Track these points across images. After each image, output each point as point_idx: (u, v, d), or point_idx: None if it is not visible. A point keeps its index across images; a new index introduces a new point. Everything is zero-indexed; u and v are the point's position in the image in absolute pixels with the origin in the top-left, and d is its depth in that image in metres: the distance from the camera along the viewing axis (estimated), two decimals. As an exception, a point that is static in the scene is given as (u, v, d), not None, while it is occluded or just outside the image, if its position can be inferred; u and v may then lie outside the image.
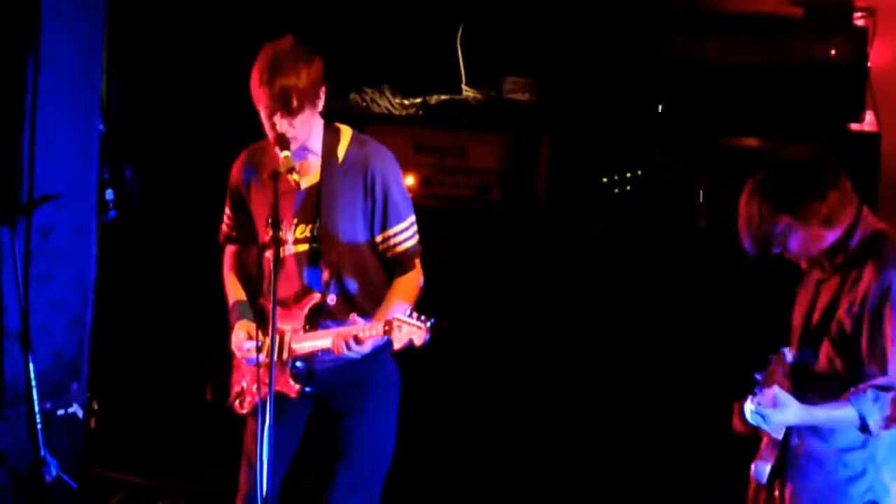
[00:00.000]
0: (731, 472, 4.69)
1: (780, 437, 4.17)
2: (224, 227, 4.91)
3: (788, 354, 4.19)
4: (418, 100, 6.80)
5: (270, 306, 4.36)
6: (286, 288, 4.62)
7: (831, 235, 4.14)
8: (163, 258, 6.91)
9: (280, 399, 4.53)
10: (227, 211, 4.86)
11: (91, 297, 6.17)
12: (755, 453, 4.32)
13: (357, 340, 4.47)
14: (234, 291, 4.86)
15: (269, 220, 4.40)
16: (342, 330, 4.51)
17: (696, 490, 6.09)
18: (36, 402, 5.61)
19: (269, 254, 4.47)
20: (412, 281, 4.72)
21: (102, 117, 6.27)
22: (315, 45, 4.57)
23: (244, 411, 4.76)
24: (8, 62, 5.77)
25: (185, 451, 6.65)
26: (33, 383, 5.60)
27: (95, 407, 6.23)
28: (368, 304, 4.66)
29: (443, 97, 6.78)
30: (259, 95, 4.46)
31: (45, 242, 5.90)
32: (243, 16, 6.71)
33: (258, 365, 4.42)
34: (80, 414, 6.08)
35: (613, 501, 6.36)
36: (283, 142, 4.45)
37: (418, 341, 4.36)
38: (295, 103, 4.42)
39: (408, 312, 4.39)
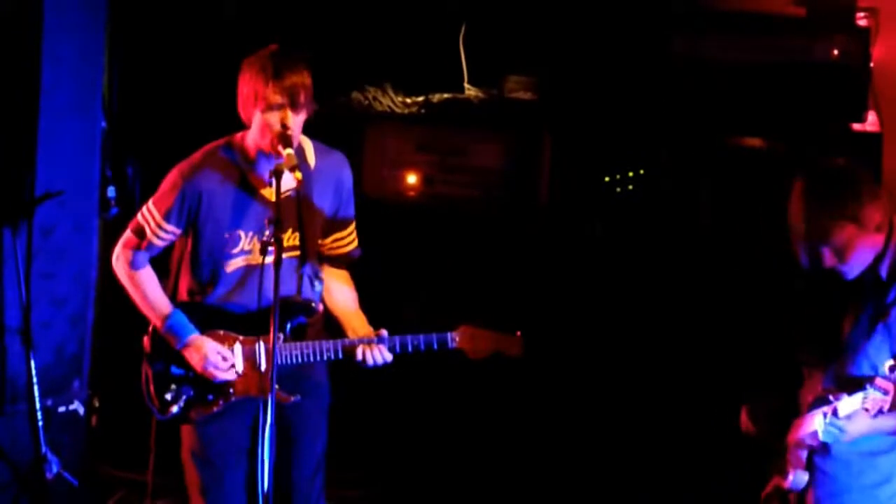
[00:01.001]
0: (732, 471, 4.69)
1: (817, 443, 4.12)
2: (149, 235, 4.60)
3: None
4: (420, 98, 6.80)
5: (272, 311, 4.34)
6: (251, 295, 4.56)
7: (881, 241, 4.08)
8: (164, 255, 6.89)
9: (246, 401, 4.57)
10: (160, 218, 4.58)
11: (92, 294, 6.16)
12: (758, 453, 4.30)
13: (392, 350, 4.54)
14: (166, 302, 4.66)
15: (271, 221, 4.38)
16: (362, 339, 4.57)
17: (697, 490, 6.09)
18: (37, 399, 5.61)
19: (270, 258, 4.42)
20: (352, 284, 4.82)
21: (104, 114, 6.27)
22: (318, 49, 4.57)
23: (199, 416, 4.69)
24: (10, 60, 5.77)
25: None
26: (34, 380, 5.60)
27: (97, 404, 6.23)
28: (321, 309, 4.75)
29: (445, 96, 6.78)
30: (265, 92, 4.44)
31: (47, 240, 5.90)
32: (245, 13, 6.71)
33: (273, 372, 4.35)
34: (82, 411, 6.07)
35: (614, 501, 6.35)
36: (286, 140, 4.45)
37: (513, 351, 4.55)
38: (302, 99, 4.43)
39: (482, 325, 4.51)
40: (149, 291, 4.67)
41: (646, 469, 6.33)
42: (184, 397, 4.65)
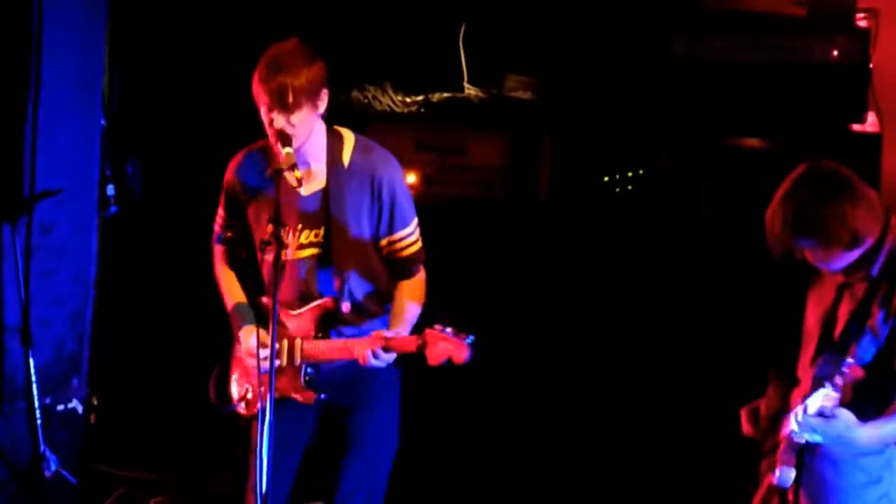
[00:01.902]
0: (732, 472, 4.69)
1: (803, 441, 4.12)
2: (217, 228, 4.88)
3: (860, 369, 4.03)
4: (420, 97, 6.80)
5: (271, 309, 4.36)
6: (290, 292, 4.64)
7: (858, 252, 4.06)
8: (164, 254, 6.91)
9: (289, 400, 4.60)
10: (221, 211, 4.84)
11: (92, 292, 6.17)
12: (760, 455, 4.30)
13: (386, 350, 4.49)
14: (233, 293, 4.83)
15: (270, 219, 4.39)
16: (365, 339, 4.53)
17: (697, 490, 6.09)
18: (36, 398, 5.62)
19: (269, 255, 4.46)
20: (419, 286, 4.75)
21: (104, 112, 6.27)
22: (319, 48, 4.57)
23: (249, 414, 4.75)
24: (10, 57, 5.77)
25: (184, 447, 6.65)
26: (33, 378, 5.61)
27: (95, 402, 6.24)
28: (377, 309, 4.72)
29: (445, 95, 6.78)
30: (258, 92, 4.48)
31: (47, 238, 5.90)
32: (246, 11, 6.71)
33: (271, 371, 4.38)
34: (80, 409, 6.08)
35: (613, 502, 6.36)
36: (284, 138, 4.45)
37: (458, 358, 4.39)
38: (291, 99, 4.43)
39: (444, 327, 4.41)
40: (223, 280, 4.89)
41: (645, 469, 6.33)
42: (242, 392, 4.76)
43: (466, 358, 4.39)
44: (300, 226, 4.61)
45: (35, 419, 5.62)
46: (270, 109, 4.45)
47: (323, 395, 4.63)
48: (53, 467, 5.64)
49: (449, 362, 4.41)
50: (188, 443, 6.61)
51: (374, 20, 6.68)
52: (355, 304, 4.67)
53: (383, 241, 4.69)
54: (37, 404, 5.62)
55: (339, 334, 4.65)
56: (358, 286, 4.67)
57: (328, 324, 4.65)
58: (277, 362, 4.58)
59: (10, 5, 5.72)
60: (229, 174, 4.77)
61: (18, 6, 5.75)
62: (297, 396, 4.62)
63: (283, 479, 4.66)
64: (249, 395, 4.74)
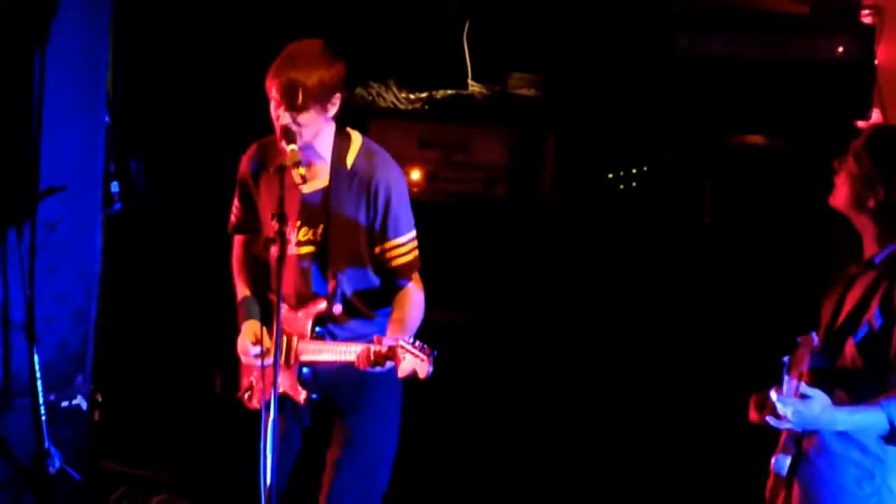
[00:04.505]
0: (740, 472, 4.70)
1: (799, 429, 4.12)
2: (232, 218, 4.88)
3: (816, 338, 4.08)
4: (424, 94, 6.80)
5: (274, 304, 4.36)
6: (290, 287, 4.64)
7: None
8: (168, 251, 6.91)
9: (286, 398, 4.60)
10: (236, 202, 4.85)
11: (96, 289, 6.16)
12: (766, 447, 4.30)
13: (388, 359, 4.41)
14: (242, 286, 4.84)
15: (275, 215, 4.39)
16: (362, 346, 4.47)
17: (705, 489, 6.10)
18: (40, 395, 5.62)
19: (274, 249, 4.46)
20: (415, 296, 4.68)
21: (108, 110, 6.27)
22: (339, 52, 4.52)
23: (255, 405, 4.75)
24: (14, 54, 5.77)
25: (188, 444, 6.66)
26: (38, 375, 5.61)
27: (99, 399, 6.24)
28: (367, 312, 4.68)
29: (448, 92, 6.78)
30: (269, 86, 4.47)
31: (51, 235, 5.90)
32: (250, 7, 6.72)
33: (263, 367, 4.43)
34: (85, 406, 6.08)
35: (615, 501, 6.36)
36: (288, 135, 4.45)
37: (422, 374, 4.31)
38: (300, 100, 4.41)
39: (411, 340, 4.33)
40: (235, 271, 4.90)
41: (647, 468, 6.33)
42: (253, 385, 4.75)
43: (429, 373, 4.32)
44: (299, 223, 4.61)
45: (39, 416, 5.62)
46: (278, 105, 4.45)
47: (315, 396, 4.62)
48: (57, 464, 5.65)
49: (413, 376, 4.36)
50: (192, 440, 6.61)
51: (377, 17, 6.68)
52: (347, 306, 4.64)
53: (377, 249, 4.65)
54: (41, 401, 5.62)
55: (331, 336, 4.64)
56: (350, 288, 4.64)
57: (321, 324, 4.64)
58: (269, 362, 4.59)
59: (16, 2, 5.73)
60: (242, 166, 4.78)
61: (23, 3, 5.75)
62: (292, 393, 4.62)
63: (281, 477, 4.65)
64: (253, 387, 4.75)
